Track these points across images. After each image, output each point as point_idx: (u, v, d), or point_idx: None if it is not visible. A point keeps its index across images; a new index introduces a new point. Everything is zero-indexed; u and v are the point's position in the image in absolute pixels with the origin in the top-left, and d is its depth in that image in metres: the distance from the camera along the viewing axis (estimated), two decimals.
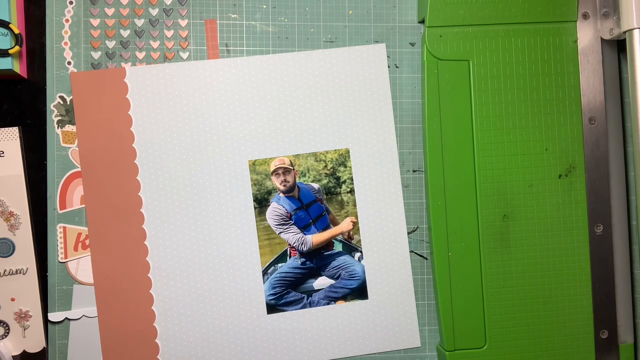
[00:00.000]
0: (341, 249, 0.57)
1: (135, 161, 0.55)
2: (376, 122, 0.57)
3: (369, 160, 0.57)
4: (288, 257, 0.56)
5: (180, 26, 0.56)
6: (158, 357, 0.55)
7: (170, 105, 0.55)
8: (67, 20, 0.56)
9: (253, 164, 0.56)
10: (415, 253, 0.57)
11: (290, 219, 0.56)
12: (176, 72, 0.55)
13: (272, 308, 0.56)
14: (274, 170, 0.56)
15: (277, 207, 0.56)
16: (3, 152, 0.54)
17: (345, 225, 0.57)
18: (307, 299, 0.56)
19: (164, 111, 0.55)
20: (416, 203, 0.57)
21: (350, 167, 0.56)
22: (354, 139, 0.57)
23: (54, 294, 0.55)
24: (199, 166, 0.55)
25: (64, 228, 0.55)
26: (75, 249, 0.55)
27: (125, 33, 0.56)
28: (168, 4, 0.56)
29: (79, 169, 0.55)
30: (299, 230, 0.56)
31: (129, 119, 0.55)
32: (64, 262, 0.55)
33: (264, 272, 0.56)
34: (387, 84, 0.57)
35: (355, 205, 0.57)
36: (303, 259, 0.56)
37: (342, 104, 0.57)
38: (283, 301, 0.56)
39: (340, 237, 0.57)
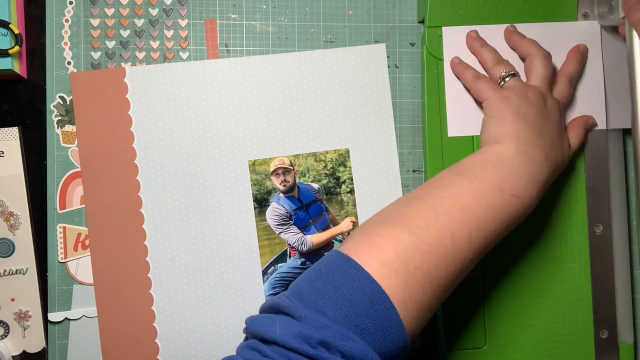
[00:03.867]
0: None
1: (135, 161, 0.55)
2: (376, 122, 0.57)
3: (369, 160, 0.57)
4: (288, 257, 0.56)
5: (180, 26, 0.56)
6: (158, 357, 0.55)
7: (170, 105, 0.55)
8: (67, 20, 0.56)
9: (253, 164, 0.56)
10: None
11: (290, 219, 0.56)
12: (176, 72, 0.55)
13: None
14: (274, 171, 0.56)
15: (277, 207, 0.56)
16: (3, 152, 0.54)
17: (345, 225, 0.56)
18: None
19: (164, 111, 0.55)
20: None
21: (350, 167, 0.56)
22: (354, 139, 0.57)
23: (54, 294, 0.55)
24: (199, 166, 0.55)
25: (64, 228, 0.55)
26: (75, 249, 0.55)
27: (125, 33, 0.56)
28: (168, 4, 0.56)
29: (79, 169, 0.55)
30: (299, 231, 0.56)
31: (129, 119, 0.55)
32: (64, 262, 0.55)
33: (264, 272, 0.56)
34: (387, 84, 0.57)
35: (355, 205, 0.57)
36: (303, 259, 0.56)
37: (342, 104, 0.57)
38: None
39: (340, 237, 0.57)
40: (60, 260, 0.55)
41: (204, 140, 0.55)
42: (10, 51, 0.52)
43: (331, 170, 0.56)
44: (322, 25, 0.57)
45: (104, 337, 0.54)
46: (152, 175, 0.55)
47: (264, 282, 0.56)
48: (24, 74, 0.55)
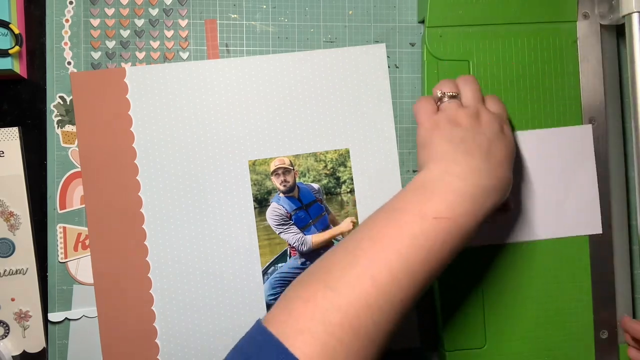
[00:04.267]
0: None
1: (135, 161, 0.55)
2: (376, 122, 0.57)
3: (369, 160, 0.57)
4: (288, 257, 0.56)
5: (180, 26, 0.56)
6: (158, 357, 0.55)
7: (171, 105, 0.55)
8: (67, 20, 0.56)
9: (253, 164, 0.56)
10: None
11: (290, 219, 0.56)
12: (176, 72, 0.55)
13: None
14: (274, 171, 0.56)
15: (277, 207, 0.56)
16: (3, 152, 0.54)
17: (345, 225, 0.56)
18: None
19: (164, 111, 0.55)
20: None
21: (350, 167, 0.56)
22: (354, 139, 0.57)
23: (54, 294, 0.55)
24: (199, 166, 0.55)
25: (64, 228, 0.55)
26: (75, 249, 0.55)
27: (125, 33, 0.56)
28: (168, 4, 0.56)
29: (79, 169, 0.55)
30: (299, 231, 0.56)
31: (129, 119, 0.55)
32: (64, 262, 0.55)
33: (264, 272, 0.56)
34: (387, 84, 0.57)
35: (355, 205, 0.56)
36: (303, 259, 0.56)
37: (342, 104, 0.57)
38: None
39: (340, 237, 0.57)
40: (60, 260, 0.55)
41: (204, 140, 0.55)
42: (10, 51, 0.52)
43: (331, 170, 0.56)
44: (322, 25, 0.57)
45: (104, 337, 0.54)
46: (152, 175, 0.55)
47: (264, 282, 0.56)
48: (24, 74, 0.55)
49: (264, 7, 0.57)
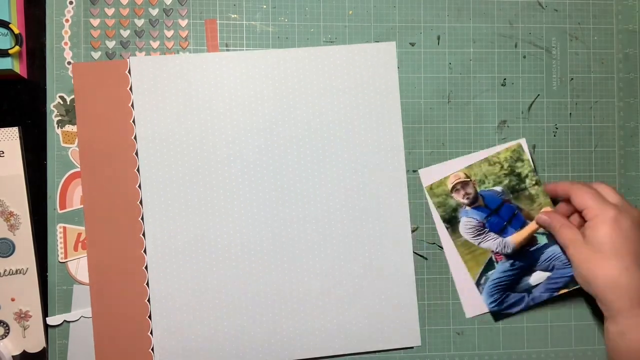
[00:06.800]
0: (546, 241, 0.56)
1: (135, 154, 0.55)
2: (384, 119, 0.56)
3: (373, 158, 0.57)
4: (495, 263, 0.56)
5: (180, 26, 0.56)
6: (152, 352, 0.55)
7: (173, 98, 0.55)
8: (67, 20, 0.56)
9: (430, 188, 0.56)
10: (415, 253, 0.57)
11: (484, 227, 0.56)
12: (179, 64, 0.55)
13: (497, 315, 0.56)
14: (453, 187, 0.56)
15: (468, 220, 0.56)
16: (3, 152, 0.54)
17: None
18: (529, 296, 0.56)
19: (166, 104, 0.55)
20: (416, 203, 0.57)
21: (528, 160, 0.56)
22: (361, 134, 0.56)
23: (54, 294, 0.55)
24: (200, 160, 0.55)
25: (64, 228, 0.55)
26: (75, 249, 0.55)
27: (125, 33, 0.56)
28: (168, 4, 0.56)
29: (79, 169, 0.55)
30: (497, 236, 0.56)
31: (129, 111, 0.55)
32: (64, 262, 0.55)
33: (477, 284, 0.56)
34: (395, 82, 0.57)
35: (546, 195, 0.55)
36: (511, 260, 0.56)
37: (350, 100, 0.56)
38: (505, 305, 0.56)
39: (541, 230, 0.56)
40: (60, 260, 0.55)
41: (206, 134, 0.55)
42: (10, 51, 0.52)
43: (509, 169, 0.56)
44: (322, 25, 0.57)
45: (97, 335, 0.54)
46: (153, 169, 0.55)
47: (480, 293, 0.56)
48: (24, 74, 0.55)
49: (264, 7, 0.57)
